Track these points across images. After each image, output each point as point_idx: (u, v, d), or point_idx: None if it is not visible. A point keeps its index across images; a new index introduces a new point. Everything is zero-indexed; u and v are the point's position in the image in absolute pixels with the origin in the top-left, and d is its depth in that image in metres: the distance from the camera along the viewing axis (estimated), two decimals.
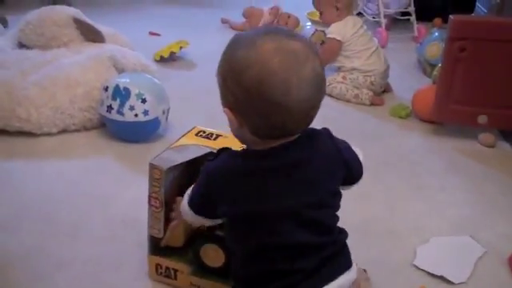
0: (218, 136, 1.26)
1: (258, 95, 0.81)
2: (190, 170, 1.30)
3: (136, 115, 1.79)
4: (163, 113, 1.87)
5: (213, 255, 1.23)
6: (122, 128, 1.84)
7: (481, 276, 1.35)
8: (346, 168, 0.96)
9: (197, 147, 1.22)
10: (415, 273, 1.34)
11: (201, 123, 1.32)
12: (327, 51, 2.31)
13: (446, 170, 1.83)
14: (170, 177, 1.21)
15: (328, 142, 0.94)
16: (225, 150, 0.96)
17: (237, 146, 1.22)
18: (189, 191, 1.03)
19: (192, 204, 1.00)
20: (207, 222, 1.02)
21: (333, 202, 0.95)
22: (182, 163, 1.19)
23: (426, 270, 1.35)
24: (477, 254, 1.41)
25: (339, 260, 0.94)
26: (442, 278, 1.32)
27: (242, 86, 0.82)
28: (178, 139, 1.25)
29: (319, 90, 0.85)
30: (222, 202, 0.91)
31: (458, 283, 1.31)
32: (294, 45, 0.83)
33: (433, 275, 1.33)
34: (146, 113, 1.80)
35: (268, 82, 0.80)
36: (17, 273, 1.25)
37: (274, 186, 0.89)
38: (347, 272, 0.94)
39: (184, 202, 1.03)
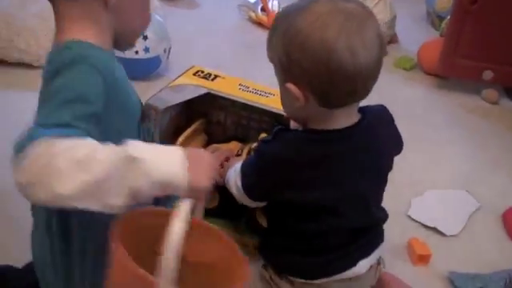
0: (216, 76, 1.24)
1: (326, 63, 0.77)
2: (187, 111, 1.29)
3: (136, 52, 1.76)
4: (164, 51, 1.83)
5: (208, 196, 1.23)
6: (122, 65, 1.80)
7: (473, 230, 1.36)
8: (398, 147, 0.98)
9: (195, 87, 1.19)
10: (409, 223, 1.36)
11: (201, 63, 1.30)
12: None
13: (447, 124, 1.82)
14: (167, 117, 1.20)
15: (390, 126, 0.96)
16: (283, 132, 0.88)
17: (235, 88, 1.21)
18: (237, 168, 0.95)
19: (249, 190, 0.92)
20: (253, 205, 0.96)
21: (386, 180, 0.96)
22: (179, 103, 1.17)
23: (419, 221, 1.36)
24: (471, 209, 1.42)
25: (376, 234, 0.97)
26: (434, 229, 1.34)
27: (307, 56, 0.78)
28: (176, 78, 1.23)
29: (382, 49, 0.82)
30: (287, 188, 0.86)
31: (450, 235, 1.33)
32: (349, 6, 0.79)
33: (426, 226, 1.34)
34: (146, 50, 1.77)
35: (333, 48, 0.76)
36: (15, 203, 1.26)
37: (347, 172, 0.87)
38: (381, 245, 0.97)
39: (233, 181, 0.95)
